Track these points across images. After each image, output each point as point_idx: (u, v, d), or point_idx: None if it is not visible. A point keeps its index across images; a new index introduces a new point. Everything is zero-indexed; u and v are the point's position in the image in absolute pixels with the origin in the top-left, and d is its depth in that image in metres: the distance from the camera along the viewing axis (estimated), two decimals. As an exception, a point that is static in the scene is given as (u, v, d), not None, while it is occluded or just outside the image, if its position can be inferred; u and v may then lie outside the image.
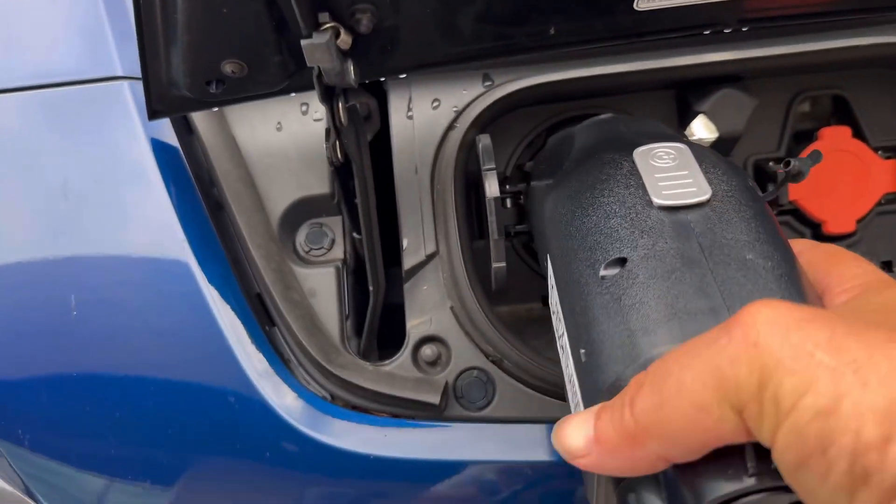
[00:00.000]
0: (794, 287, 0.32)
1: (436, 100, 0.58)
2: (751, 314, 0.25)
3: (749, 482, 0.26)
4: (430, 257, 0.55)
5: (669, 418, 0.26)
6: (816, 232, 0.60)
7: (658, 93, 0.60)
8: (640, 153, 0.39)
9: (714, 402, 0.25)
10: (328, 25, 0.42)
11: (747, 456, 0.27)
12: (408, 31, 0.46)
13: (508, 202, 0.57)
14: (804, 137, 0.61)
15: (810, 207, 0.58)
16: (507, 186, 0.59)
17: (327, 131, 0.51)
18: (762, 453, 0.26)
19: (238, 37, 0.44)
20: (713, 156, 0.41)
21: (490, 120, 0.57)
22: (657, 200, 0.35)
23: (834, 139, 0.58)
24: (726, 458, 0.27)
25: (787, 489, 0.26)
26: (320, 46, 0.42)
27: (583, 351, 0.35)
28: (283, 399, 0.50)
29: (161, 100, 0.49)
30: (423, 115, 0.57)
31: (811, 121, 0.62)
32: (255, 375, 0.50)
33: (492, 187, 0.48)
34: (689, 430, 0.26)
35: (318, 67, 0.44)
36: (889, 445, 0.21)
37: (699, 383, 0.25)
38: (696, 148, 0.40)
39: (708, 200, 0.35)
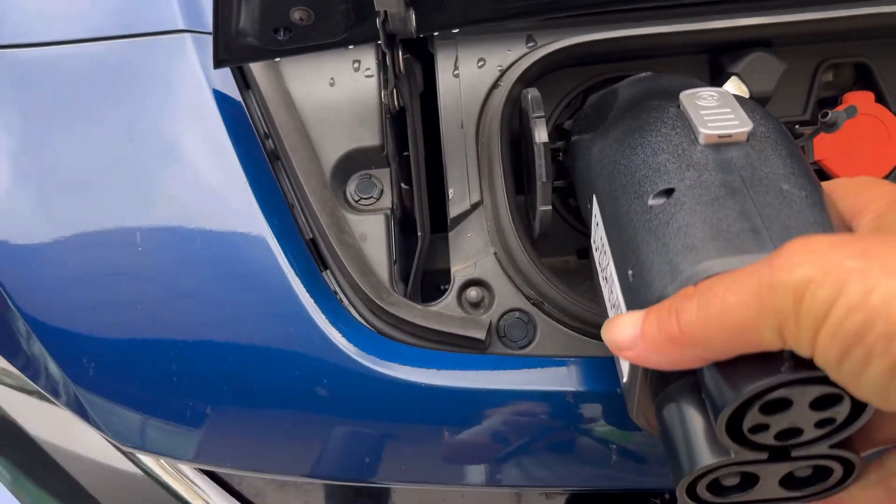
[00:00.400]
0: (824, 214, 0.35)
1: (481, 59, 0.61)
2: (790, 248, 0.27)
3: (785, 375, 0.29)
4: (474, 206, 0.58)
5: (713, 331, 0.30)
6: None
7: (691, 56, 0.63)
8: (686, 95, 0.42)
9: (755, 322, 0.28)
10: (397, -28, 0.45)
11: (784, 356, 0.30)
12: (465, -16, 0.49)
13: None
14: (827, 103, 0.65)
15: (834, 167, 0.62)
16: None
17: (385, 80, 0.54)
18: (797, 357, 0.29)
19: (309, -17, 0.47)
20: (751, 102, 0.44)
21: (534, 78, 0.60)
22: (703, 130, 0.38)
23: (858, 103, 0.61)
24: (763, 358, 0.30)
25: (820, 380, 0.29)
26: (389, -8, 0.45)
27: (630, 272, 0.38)
28: (339, 332, 0.53)
29: (228, 49, 0.52)
30: (469, 74, 0.61)
31: (834, 88, 0.65)
32: (314, 314, 0.53)
33: (541, 133, 0.51)
34: (730, 343, 0.29)
35: (384, 13, 0.47)
36: None
37: (742, 306, 0.28)
38: (735, 95, 0.44)
39: (749, 133, 0.38)
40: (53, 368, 0.56)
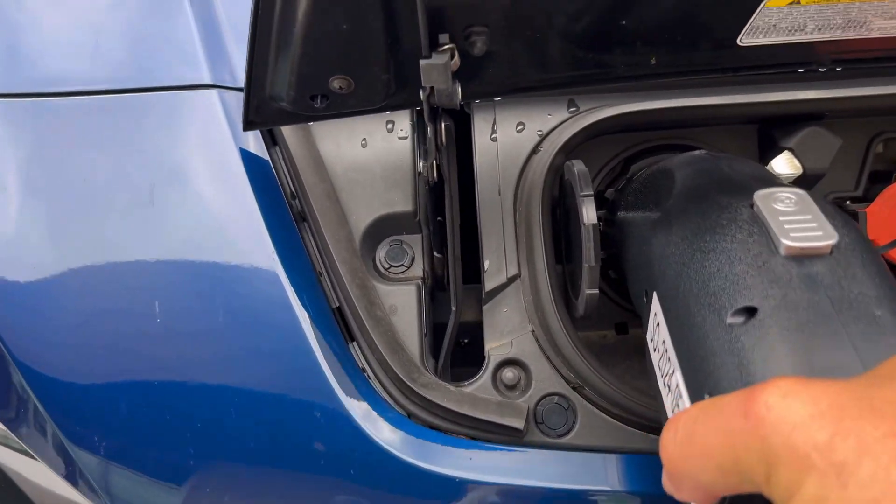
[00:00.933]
0: None
1: (520, 123, 0.58)
2: (765, 404, 0.26)
3: None
4: (511, 279, 0.55)
5: (696, 472, 0.29)
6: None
7: (739, 127, 0.60)
8: (761, 196, 0.39)
9: (733, 473, 0.28)
10: (447, 47, 0.42)
11: None
12: (512, 55, 0.47)
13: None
14: (879, 178, 0.62)
15: (889, 252, 0.59)
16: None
17: (424, 150, 0.52)
18: None
19: (352, 53, 0.45)
20: (830, 206, 0.41)
21: (576, 145, 0.57)
22: (785, 241, 0.35)
23: (913, 180, 0.59)
24: None
25: None
26: (438, 67, 0.42)
27: (707, 395, 0.35)
28: (369, 417, 0.50)
29: (258, 111, 0.49)
30: (508, 138, 0.58)
31: (886, 162, 0.63)
32: (339, 391, 0.50)
33: (589, 213, 0.48)
34: (716, 484, 0.29)
35: (430, 88, 0.45)
36: None
37: (719, 454, 0.28)
38: (812, 195, 0.41)
39: (835, 246, 0.35)
40: (49, 427, 0.53)
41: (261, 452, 0.49)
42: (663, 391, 0.40)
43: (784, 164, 0.57)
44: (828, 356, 0.31)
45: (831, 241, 0.35)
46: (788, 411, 0.26)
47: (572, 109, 0.58)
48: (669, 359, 0.39)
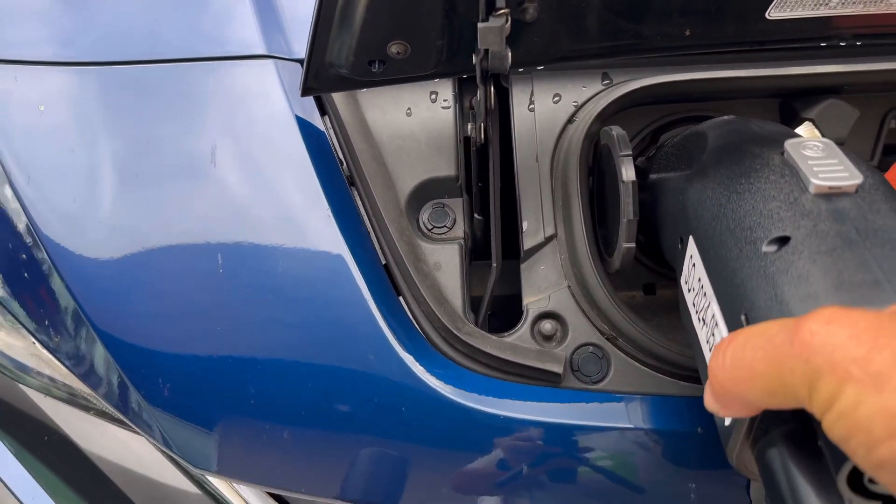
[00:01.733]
0: None
1: (557, 94, 0.62)
2: (810, 330, 0.29)
3: None
4: (548, 239, 0.59)
5: (745, 392, 0.32)
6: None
7: (762, 100, 0.64)
8: (792, 144, 0.43)
9: (779, 392, 0.31)
10: (503, 11, 0.46)
11: None
12: (558, 23, 0.50)
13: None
14: (891, 151, 0.66)
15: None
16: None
17: (472, 113, 0.55)
18: None
19: (411, 18, 0.48)
20: (854, 155, 0.45)
21: (609, 115, 0.61)
22: (814, 181, 0.39)
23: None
24: None
25: None
26: (494, 30, 0.46)
27: (744, 316, 0.38)
28: (419, 361, 0.53)
29: (317, 77, 0.53)
30: (545, 108, 0.62)
31: (898, 136, 0.66)
32: (391, 338, 0.53)
33: (628, 172, 0.51)
34: (763, 402, 0.32)
35: (484, 51, 0.48)
36: (892, 440, 0.26)
37: (768, 378, 0.31)
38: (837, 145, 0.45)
39: (860, 185, 0.39)
40: (127, 388, 0.56)
41: (322, 395, 0.53)
42: (697, 326, 0.44)
43: (806, 134, 0.60)
44: (855, 275, 0.34)
45: (857, 181, 0.38)
46: (831, 335, 0.29)
47: (606, 82, 0.62)
48: (705, 294, 0.42)
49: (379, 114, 0.63)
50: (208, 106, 0.60)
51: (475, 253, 0.67)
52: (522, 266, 0.59)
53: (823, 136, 0.60)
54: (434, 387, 0.52)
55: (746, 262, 0.39)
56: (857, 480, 0.33)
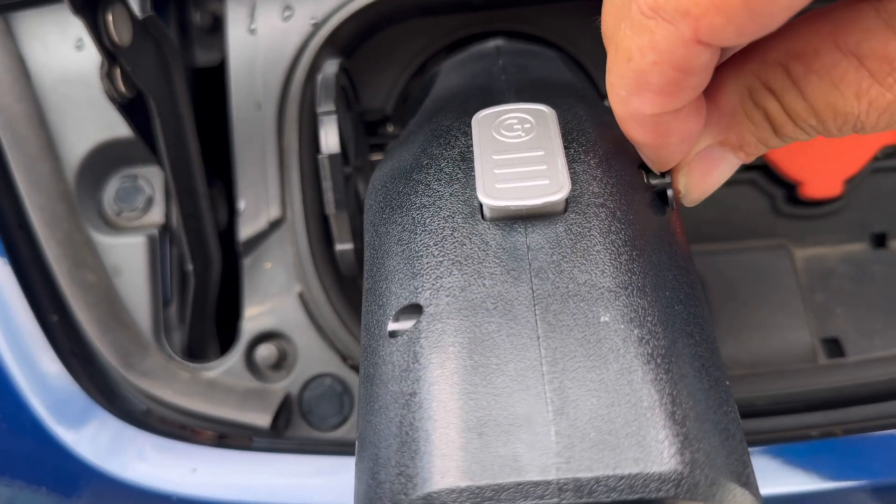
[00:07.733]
0: (674, 387, 0.19)
1: (288, 7, 0.42)
2: None
3: None
4: (273, 225, 0.42)
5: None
6: (791, 194, 0.47)
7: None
8: (480, 119, 0.25)
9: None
10: None
11: None
12: None
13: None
14: None
15: (785, 164, 0.45)
16: (390, 128, 0.45)
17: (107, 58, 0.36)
18: None
19: None
20: (599, 130, 0.26)
21: (356, 38, 0.42)
22: (485, 200, 0.22)
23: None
24: None
25: None
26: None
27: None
28: (62, 417, 0.37)
29: None
30: (271, 30, 0.42)
31: None
32: (24, 386, 0.37)
33: (329, 139, 0.34)
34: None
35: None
36: None
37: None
38: (579, 113, 0.27)
39: (563, 204, 0.22)
40: None
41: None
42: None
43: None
44: (500, 406, 0.18)
45: (555, 198, 0.21)
46: None
47: (358, -14, 0.42)
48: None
49: (39, 48, 0.43)
50: None
51: (196, 238, 0.49)
52: (244, 263, 0.42)
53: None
54: (75, 451, 0.37)
55: (375, 346, 0.22)
56: None
